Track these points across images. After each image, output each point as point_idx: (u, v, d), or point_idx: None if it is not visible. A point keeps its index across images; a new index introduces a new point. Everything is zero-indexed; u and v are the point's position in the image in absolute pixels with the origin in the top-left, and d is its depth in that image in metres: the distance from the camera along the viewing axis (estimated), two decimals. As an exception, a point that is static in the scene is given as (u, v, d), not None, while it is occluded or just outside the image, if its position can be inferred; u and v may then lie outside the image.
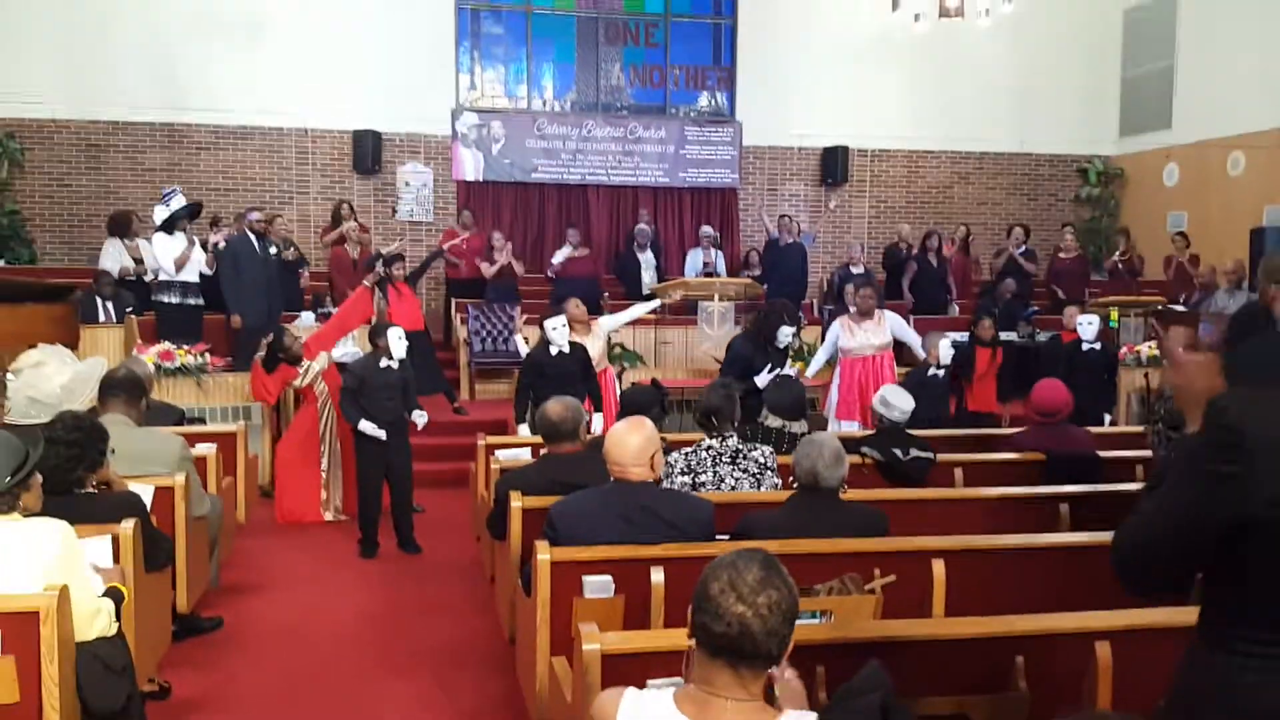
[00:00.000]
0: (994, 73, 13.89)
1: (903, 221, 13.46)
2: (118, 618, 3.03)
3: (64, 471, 3.30)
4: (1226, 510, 1.43)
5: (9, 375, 5.30)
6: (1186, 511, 1.51)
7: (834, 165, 13.83)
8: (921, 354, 7.52)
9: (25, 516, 2.85)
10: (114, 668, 2.82)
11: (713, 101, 13.84)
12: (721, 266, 12.04)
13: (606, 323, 7.42)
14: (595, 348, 7.12)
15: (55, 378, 5.67)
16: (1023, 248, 11.82)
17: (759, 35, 13.55)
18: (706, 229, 12.42)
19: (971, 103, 13.96)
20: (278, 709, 3.98)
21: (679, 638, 2.05)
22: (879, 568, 3.17)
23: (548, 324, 6.55)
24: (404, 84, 12.55)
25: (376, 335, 6.16)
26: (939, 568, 3.24)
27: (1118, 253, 12.64)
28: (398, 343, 6.06)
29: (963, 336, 8.29)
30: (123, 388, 4.37)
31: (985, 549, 3.37)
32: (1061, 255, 12.18)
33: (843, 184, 14.00)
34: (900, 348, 7.91)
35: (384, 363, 6.04)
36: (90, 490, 3.50)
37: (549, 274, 11.48)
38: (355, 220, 10.82)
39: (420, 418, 6.21)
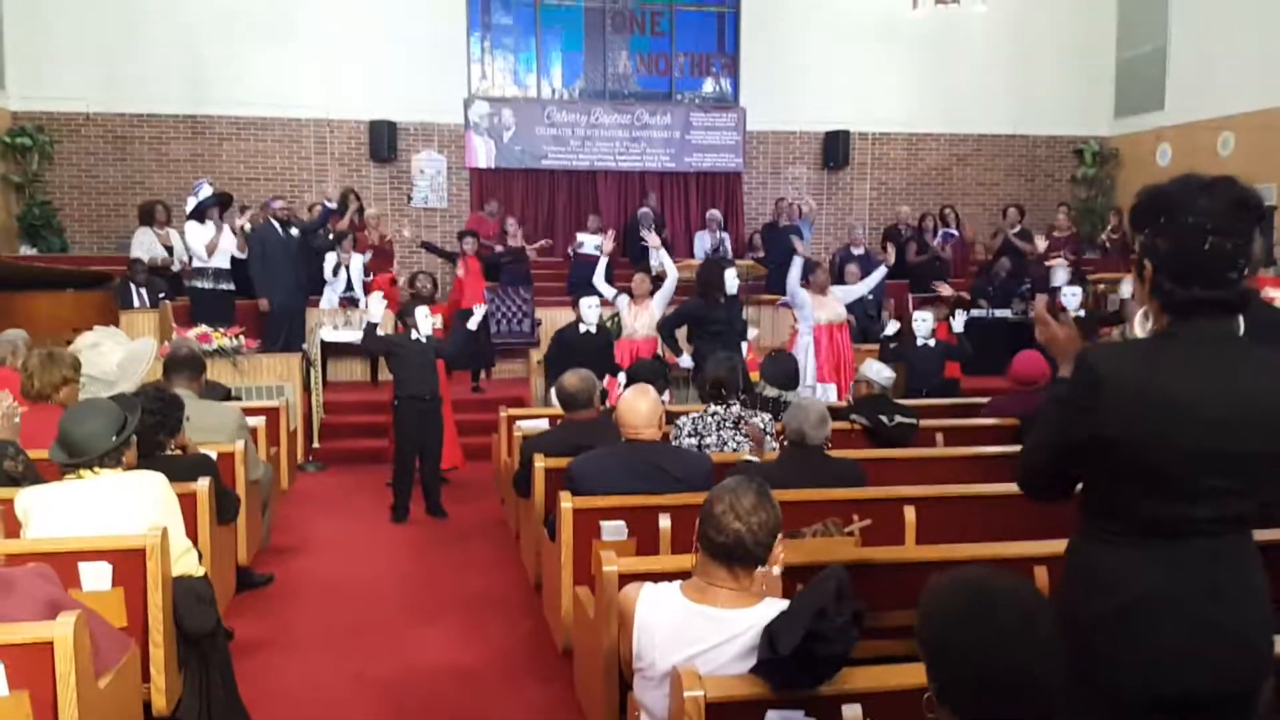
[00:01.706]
0: (992, 56, 14.27)
1: (903, 203, 13.89)
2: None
3: (151, 435, 3.79)
4: (1085, 432, 1.89)
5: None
6: (1059, 434, 1.98)
7: (835, 149, 14.24)
8: (862, 292, 8.41)
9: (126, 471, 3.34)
10: (204, 599, 3.32)
11: (717, 88, 14.22)
12: (728, 248, 12.48)
13: (659, 297, 7.87)
14: (646, 318, 7.69)
15: (110, 356, 6.18)
16: (1017, 227, 12.23)
17: (762, 22, 13.95)
18: (714, 212, 12.85)
19: (970, 86, 14.33)
20: (330, 649, 4.47)
21: (681, 562, 2.55)
22: (857, 513, 3.65)
23: (583, 302, 7.09)
24: (418, 74, 12.99)
25: (405, 314, 6.64)
26: (910, 513, 3.72)
27: (1108, 229, 13.03)
28: (424, 321, 6.55)
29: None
30: (186, 364, 4.85)
31: (951, 496, 3.85)
32: (1055, 234, 12.58)
33: (844, 167, 14.41)
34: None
35: (413, 335, 6.54)
36: (170, 453, 4.00)
37: (570, 251, 11.88)
38: (362, 205, 11.19)
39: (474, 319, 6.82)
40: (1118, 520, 1.91)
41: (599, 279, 7.75)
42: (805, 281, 7.91)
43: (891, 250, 8.23)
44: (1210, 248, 1.81)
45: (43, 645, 2.41)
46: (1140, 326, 1.93)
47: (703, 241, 12.49)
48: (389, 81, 12.92)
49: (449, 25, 13.23)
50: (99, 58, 12.29)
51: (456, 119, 13.30)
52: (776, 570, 2.43)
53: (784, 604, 2.20)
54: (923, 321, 8.37)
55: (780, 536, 2.34)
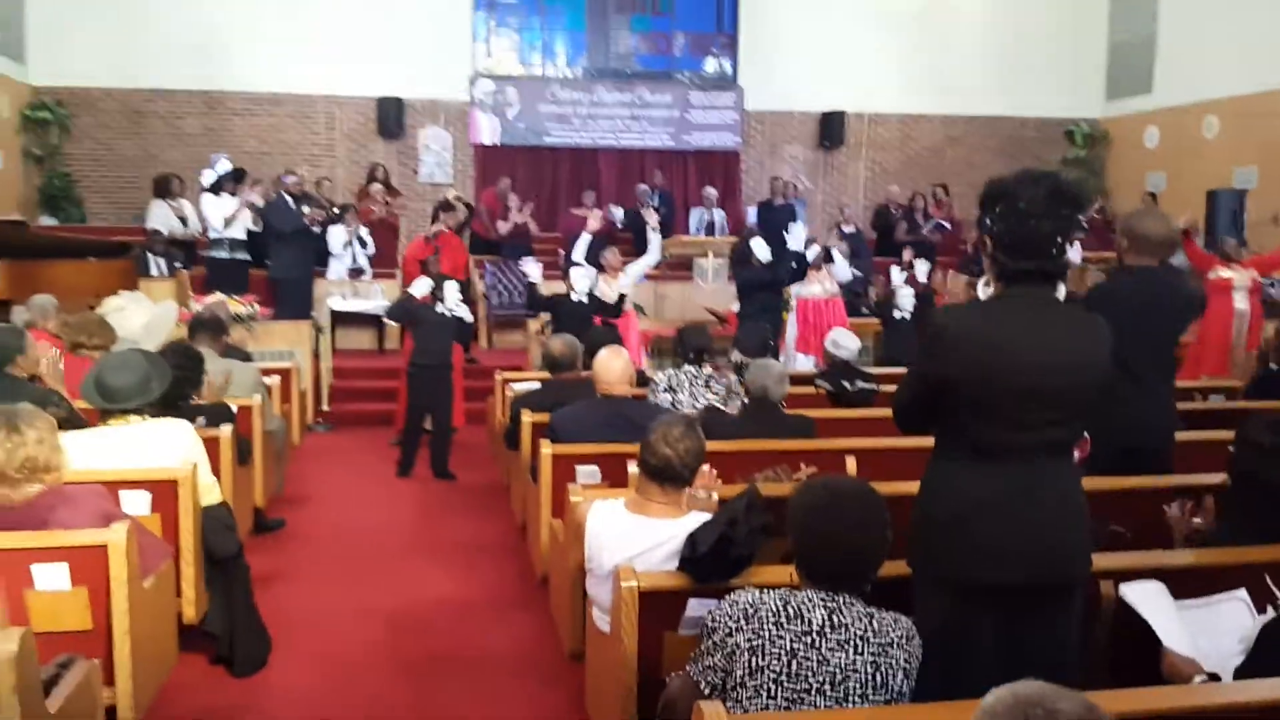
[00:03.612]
0: (986, 37, 14.56)
1: (894, 183, 14.26)
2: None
3: (177, 389, 4.28)
4: (935, 374, 2.36)
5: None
6: (917, 376, 2.46)
7: (831, 129, 14.63)
8: (847, 276, 8.85)
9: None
10: (229, 525, 3.82)
11: (717, 67, 14.57)
12: (724, 226, 12.92)
13: (632, 270, 8.37)
14: (619, 291, 8.10)
15: (135, 318, 6.69)
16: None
17: (760, 3, 14.27)
18: (708, 190, 13.28)
19: (963, 67, 14.62)
20: (337, 583, 4.97)
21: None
22: (805, 461, 4.12)
23: (573, 272, 7.65)
24: (425, 52, 13.39)
25: (435, 287, 7.16)
26: (851, 461, 4.20)
27: (1093, 209, 13.38)
28: (451, 295, 7.08)
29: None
30: (209, 325, 5.35)
31: (887, 448, 4.32)
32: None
33: (839, 147, 14.79)
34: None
35: (438, 308, 7.04)
36: (196, 404, 4.49)
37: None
38: (384, 184, 11.72)
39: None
40: (958, 443, 2.39)
41: (579, 254, 8.23)
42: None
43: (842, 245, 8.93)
44: (1034, 228, 2.28)
45: (99, 548, 2.91)
46: (982, 291, 2.40)
47: (698, 218, 12.92)
48: (397, 59, 13.32)
49: (455, 3, 13.61)
50: (115, 34, 12.70)
51: (462, 96, 13.72)
52: (715, 496, 2.92)
53: (706, 516, 2.69)
54: (905, 297, 8.77)
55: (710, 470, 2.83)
